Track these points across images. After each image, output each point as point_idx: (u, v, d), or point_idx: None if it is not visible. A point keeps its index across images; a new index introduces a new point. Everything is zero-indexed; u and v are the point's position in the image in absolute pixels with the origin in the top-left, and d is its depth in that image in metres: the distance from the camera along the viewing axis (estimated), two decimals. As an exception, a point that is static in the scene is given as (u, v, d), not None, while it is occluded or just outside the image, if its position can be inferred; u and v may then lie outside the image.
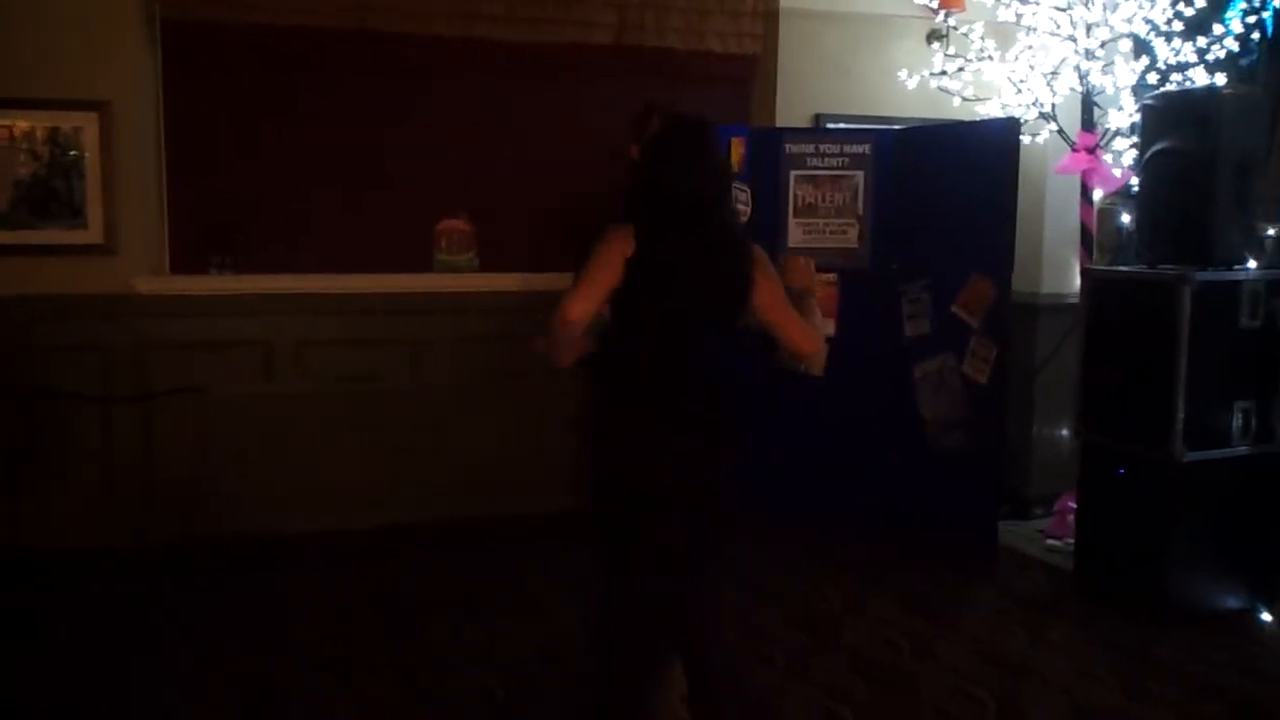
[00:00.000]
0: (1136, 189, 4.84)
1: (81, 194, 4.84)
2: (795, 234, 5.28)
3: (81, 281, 4.81)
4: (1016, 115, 5.23)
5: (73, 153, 4.81)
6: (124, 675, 3.77)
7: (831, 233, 5.31)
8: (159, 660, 3.89)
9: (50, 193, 4.81)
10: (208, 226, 5.22)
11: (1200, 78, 4.99)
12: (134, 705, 3.58)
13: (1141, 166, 4.64)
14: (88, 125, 4.81)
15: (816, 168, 5.28)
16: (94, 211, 4.85)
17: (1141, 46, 5.12)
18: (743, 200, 5.14)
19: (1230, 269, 4.36)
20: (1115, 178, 5.23)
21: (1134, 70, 5.08)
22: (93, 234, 4.86)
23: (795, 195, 5.29)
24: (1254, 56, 5.22)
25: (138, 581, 4.63)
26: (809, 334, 3.00)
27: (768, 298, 2.92)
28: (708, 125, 2.99)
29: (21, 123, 4.75)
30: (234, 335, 5.07)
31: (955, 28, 5.48)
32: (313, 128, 5.35)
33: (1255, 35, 5.15)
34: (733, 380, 2.99)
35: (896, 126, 5.46)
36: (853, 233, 5.30)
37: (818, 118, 5.76)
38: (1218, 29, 5.00)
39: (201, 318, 5.01)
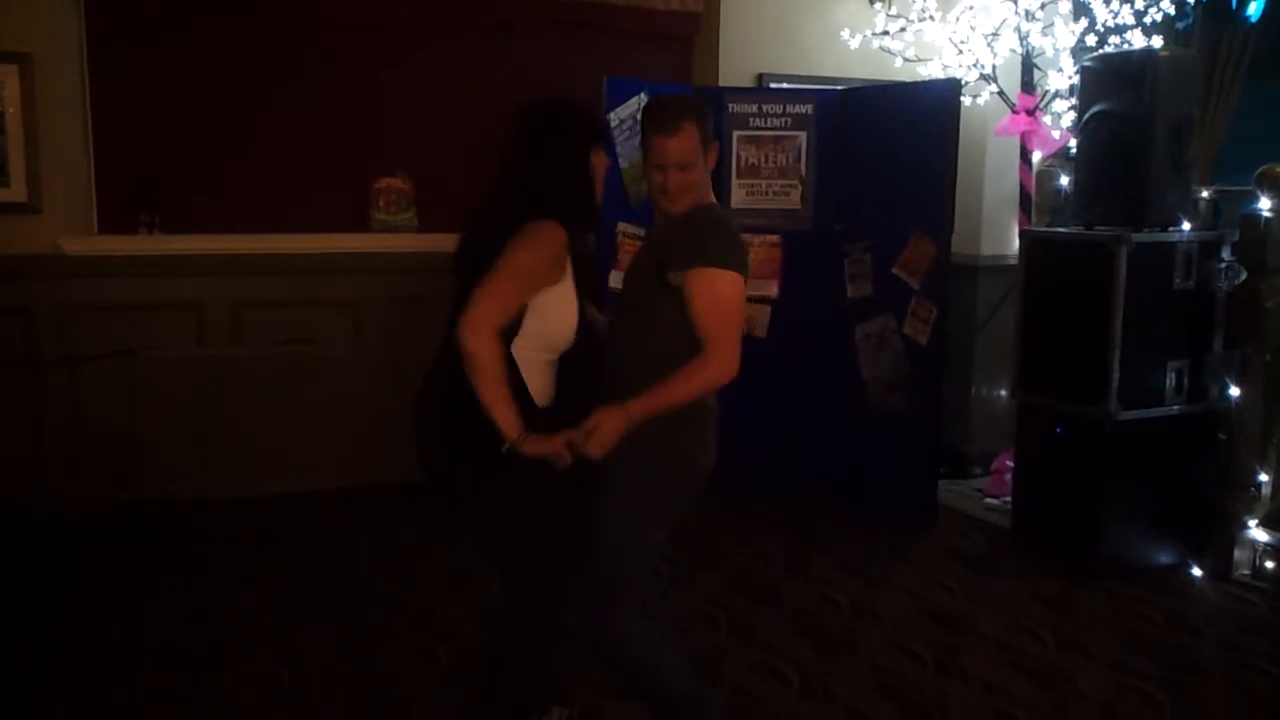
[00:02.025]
0: (1075, 151, 4.88)
1: (3, 151, 4.69)
2: (738, 195, 5.25)
3: (5, 242, 4.68)
4: (957, 76, 5.23)
5: (-7, 108, 4.66)
6: (52, 646, 3.69)
7: (774, 194, 5.29)
8: (88, 629, 3.81)
9: (-30, 150, 4.66)
10: (136, 185, 5.07)
11: (1138, 40, 5.03)
12: (61, 674, 3.50)
13: (1079, 129, 4.67)
14: (8, 79, 4.66)
15: (759, 128, 5.24)
16: (16, 169, 4.72)
17: (1080, 8, 5.15)
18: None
19: (1165, 230, 4.40)
20: (1054, 139, 5.28)
21: (1073, 32, 5.11)
22: (15, 192, 4.72)
23: (738, 156, 5.25)
24: (1189, 20, 5.25)
25: (67, 549, 4.54)
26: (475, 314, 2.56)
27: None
28: (540, 104, 2.77)
29: (-62, 77, 4.58)
30: (165, 297, 4.96)
31: (897, -13, 5.48)
32: (245, 82, 5.20)
33: (1191, -1, 5.20)
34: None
35: (839, 87, 5.44)
36: (795, 194, 5.28)
37: (761, 77, 5.73)
38: (1155, -8, 5.05)
39: (131, 279, 4.89)
